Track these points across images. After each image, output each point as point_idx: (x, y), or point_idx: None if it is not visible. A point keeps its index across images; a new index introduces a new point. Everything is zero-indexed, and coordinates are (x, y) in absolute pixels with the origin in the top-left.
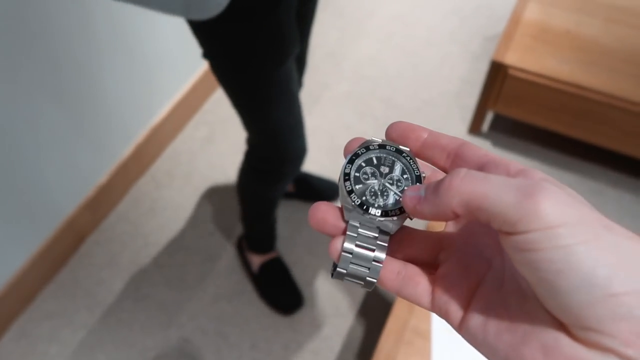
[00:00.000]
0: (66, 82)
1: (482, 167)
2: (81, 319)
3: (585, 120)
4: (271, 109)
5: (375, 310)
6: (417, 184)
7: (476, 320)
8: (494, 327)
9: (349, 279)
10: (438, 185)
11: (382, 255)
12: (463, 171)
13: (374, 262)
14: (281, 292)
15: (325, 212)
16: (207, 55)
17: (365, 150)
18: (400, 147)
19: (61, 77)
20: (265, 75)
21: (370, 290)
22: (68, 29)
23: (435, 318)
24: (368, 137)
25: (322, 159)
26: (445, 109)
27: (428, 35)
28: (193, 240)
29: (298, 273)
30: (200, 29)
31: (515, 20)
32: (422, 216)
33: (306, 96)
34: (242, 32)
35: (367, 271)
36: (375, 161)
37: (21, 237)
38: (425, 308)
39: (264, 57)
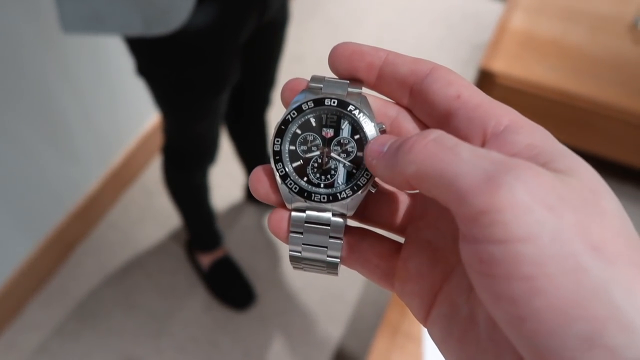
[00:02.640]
0: (57, 88)
1: (449, 115)
2: (71, 329)
3: (571, 126)
4: (196, 124)
5: (367, 315)
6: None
7: (437, 329)
8: (453, 347)
9: (307, 263)
10: (402, 144)
11: (339, 229)
12: (433, 134)
13: (331, 239)
14: (233, 288)
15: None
16: (143, 74)
17: (296, 114)
18: (344, 99)
19: (52, 83)
20: (199, 104)
21: (336, 274)
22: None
23: None
24: (311, 77)
25: None
26: None
27: (416, 42)
28: (184, 248)
29: (289, 280)
30: (142, 52)
31: (502, 28)
32: (377, 175)
33: None
34: (187, 73)
35: (325, 266)
36: (314, 123)
37: (9, 246)
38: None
39: (201, 92)
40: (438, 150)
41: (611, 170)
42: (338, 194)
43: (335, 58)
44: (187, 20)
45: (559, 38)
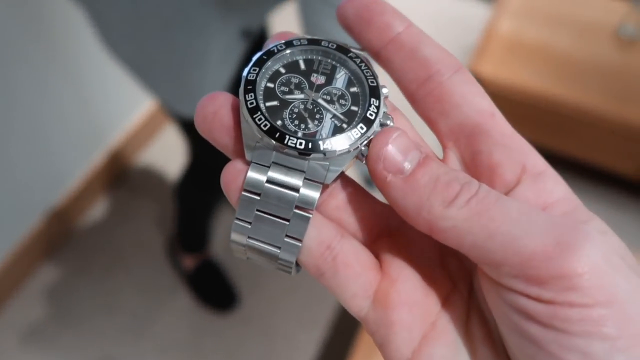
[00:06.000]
0: (27, 83)
1: (477, 131)
2: (51, 330)
3: (555, 131)
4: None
5: (350, 318)
6: (377, 112)
7: None
8: None
9: (255, 246)
10: (438, 186)
11: (311, 199)
12: (473, 187)
13: (297, 210)
14: (216, 290)
15: (222, 105)
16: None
17: (285, 47)
18: (346, 44)
19: (23, 82)
20: None
21: (289, 271)
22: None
23: None
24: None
25: None
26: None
27: None
28: (166, 247)
29: (273, 282)
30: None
31: (489, 32)
32: (387, 196)
33: None
34: None
35: (278, 251)
36: (303, 66)
37: None
38: (354, 315)
39: None
40: (484, 208)
41: (595, 175)
42: (320, 142)
43: (349, 4)
44: None
45: (545, 44)
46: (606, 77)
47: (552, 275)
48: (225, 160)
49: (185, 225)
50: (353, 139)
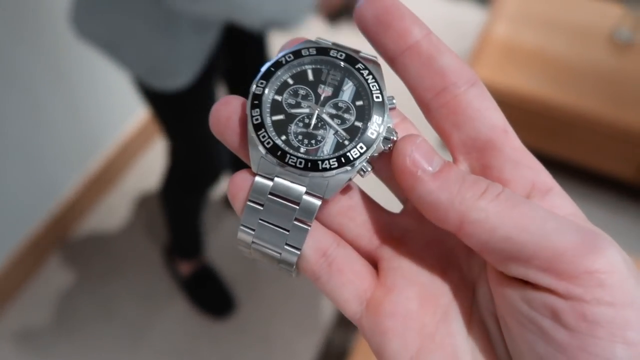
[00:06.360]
0: (22, 87)
1: (489, 146)
2: (46, 339)
3: (552, 134)
4: (212, 142)
5: (348, 321)
6: (378, 131)
7: None
8: None
9: (259, 249)
10: (467, 182)
11: (310, 211)
12: (499, 186)
13: (296, 222)
14: (213, 296)
15: (234, 110)
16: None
17: (293, 57)
18: (355, 53)
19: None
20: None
21: (290, 272)
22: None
23: None
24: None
25: None
26: (418, 123)
27: None
28: (163, 253)
29: (270, 288)
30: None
31: (485, 37)
32: (413, 189)
33: None
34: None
35: (279, 255)
36: (311, 76)
37: None
38: (350, 319)
39: (191, 120)
40: (512, 205)
41: (592, 179)
42: (319, 162)
43: (368, 5)
44: (181, 86)
45: (541, 48)
46: (602, 81)
47: (583, 270)
48: (199, 151)
49: (176, 227)
50: (352, 158)
